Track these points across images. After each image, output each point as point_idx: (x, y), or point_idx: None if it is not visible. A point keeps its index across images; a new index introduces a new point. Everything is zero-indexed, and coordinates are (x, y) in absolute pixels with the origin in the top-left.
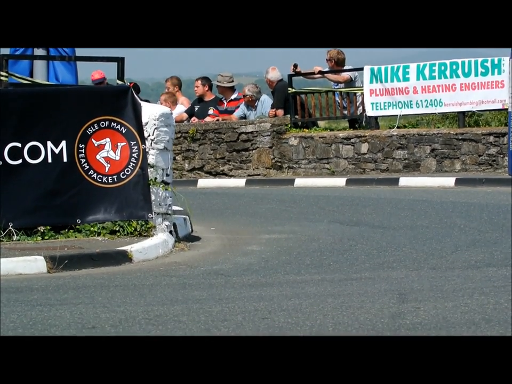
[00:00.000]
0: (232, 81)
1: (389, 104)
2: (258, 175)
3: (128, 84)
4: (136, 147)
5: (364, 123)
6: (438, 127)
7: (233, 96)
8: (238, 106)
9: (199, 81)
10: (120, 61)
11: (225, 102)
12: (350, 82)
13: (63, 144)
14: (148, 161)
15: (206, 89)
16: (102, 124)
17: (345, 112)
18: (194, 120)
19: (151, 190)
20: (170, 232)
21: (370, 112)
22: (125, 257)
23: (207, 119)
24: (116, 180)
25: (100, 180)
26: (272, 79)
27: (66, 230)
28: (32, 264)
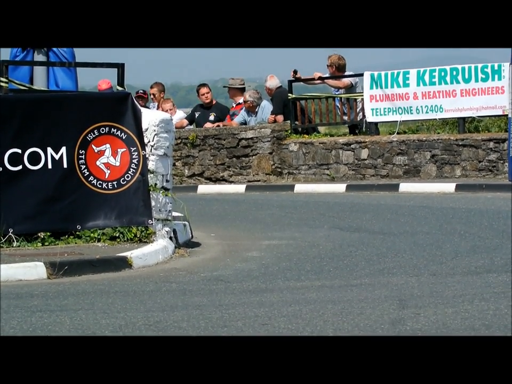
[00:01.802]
0: (243, 84)
1: (389, 110)
2: (258, 181)
3: (143, 91)
4: (136, 153)
5: (364, 129)
6: (438, 133)
7: (241, 100)
8: None
9: (206, 88)
10: (120, 67)
11: (234, 105)
12: (350, 88)
13: (63, 150)
14: (148, 167)
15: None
16: (102, 130)
17: (345, 118)
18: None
19: (151, 196)
20: (170, 238)
21: (370, 118)
22: (125, 263)
23: (207, 125)
24: (115, 186)
25: (100, 186)
26: (270, 87)
27: (66, 236)
28: (32, 270)
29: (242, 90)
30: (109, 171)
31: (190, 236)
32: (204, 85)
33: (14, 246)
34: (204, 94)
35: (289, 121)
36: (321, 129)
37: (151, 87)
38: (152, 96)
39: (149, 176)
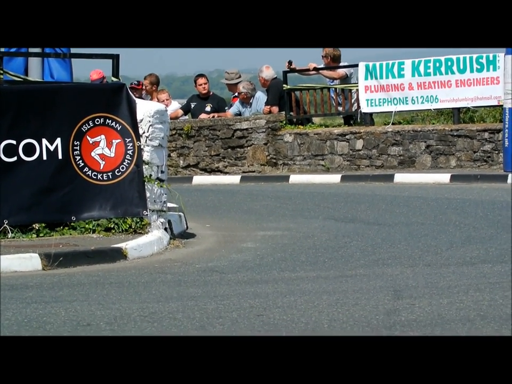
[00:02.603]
0: (239, 76)
1: (384, 100)
2: (253, 171)
3: (136, 82)
4: (131, 144)
5: (358, 119)
6: (433, 124)
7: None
8: None
9: (204, 79)
10: (115, 58)
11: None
12: (345, 79)
13: (58, 141)
14: (143, 158)
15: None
16: (97, 121)
17: (340, 108)
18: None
19: (146, 187)
20: (165, 229)
21: (365, 108)
22: (119, 254)
23: (202, 116)
24: (110, 177)
25: (95, 177)
26: (266, 78)
27: (61, 227)
28: (27, 262)
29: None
30: (103, 162)
31: (185, 226)
32: (201, 75)
33: (9, 237)
34: (201, 85)
35: (284, 112)
36: (316, 120)
37: (145, 79)
38: (144, 87)
39: (144, 167)
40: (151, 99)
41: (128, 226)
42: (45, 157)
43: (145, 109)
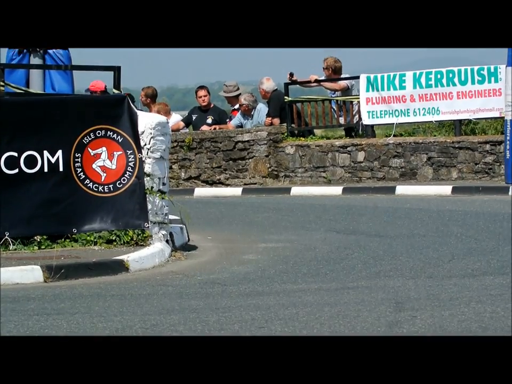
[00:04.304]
0: (238, 89)
1: (385, 112)
2: (255, 183)
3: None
4: (132, 156)
5: (360, 131)
6: (435, 136)
7: (237, 106)
8: None
9: (204, 91)
10: (116, 70)
11: (231, 110)
12: (346, 91)
13: (59, 153)
14: (144, 170)
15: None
16: (98, 133)
17: (342, 120)
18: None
19: (147, 199)
20: (167, 241)
21: (366, 120)
22: (121, 266)
23: (204, 128)
24: (112, 189)
25: (96, 189)
26: (267, 90)
27: (63, 239)
28: (29, 274)
29: (238, 96)
30: (105, 174)
31: (187, 239)
32: (202, 87)
33: (11, 249)
34: (201, 97)
35: (285, 124)
36: (317, 132)
37: (142, 90)
38: (140, 99)
39: (145, 179)
40: (150, 111)
41: (129, 238)
42: (46, 169)
43: (146, 121)
